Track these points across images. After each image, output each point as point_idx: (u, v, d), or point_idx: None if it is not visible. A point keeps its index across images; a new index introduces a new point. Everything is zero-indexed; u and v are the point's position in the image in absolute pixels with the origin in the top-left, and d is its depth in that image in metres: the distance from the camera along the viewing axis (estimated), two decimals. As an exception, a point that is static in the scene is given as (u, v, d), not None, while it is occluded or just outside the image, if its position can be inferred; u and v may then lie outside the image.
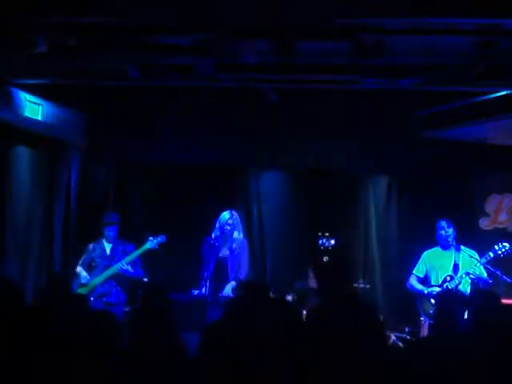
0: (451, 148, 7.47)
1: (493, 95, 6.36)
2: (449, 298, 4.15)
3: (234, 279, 6.68)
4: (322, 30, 5.00)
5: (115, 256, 6.97)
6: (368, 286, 7.42)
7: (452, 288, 6.50)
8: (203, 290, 6.45)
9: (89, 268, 6.96)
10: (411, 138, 7.37)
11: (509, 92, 6.19)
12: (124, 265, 6.84)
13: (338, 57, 5.38)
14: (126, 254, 6.98)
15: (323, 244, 7.08)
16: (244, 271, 6.76)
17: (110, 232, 7.02)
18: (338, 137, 7.62)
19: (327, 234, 7.12)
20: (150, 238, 6.98)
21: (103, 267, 6.91)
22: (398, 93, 6.38)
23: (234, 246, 6.86)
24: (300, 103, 7.21)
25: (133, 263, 6.92)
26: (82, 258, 7.04)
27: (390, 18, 4.77)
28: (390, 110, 7.20)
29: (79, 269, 6.96)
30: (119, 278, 6.91)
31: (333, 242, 7.09)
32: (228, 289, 6.62)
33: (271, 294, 6.75)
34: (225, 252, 6.85)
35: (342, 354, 2.96)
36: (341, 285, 4.50)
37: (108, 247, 7.05)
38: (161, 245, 7.03)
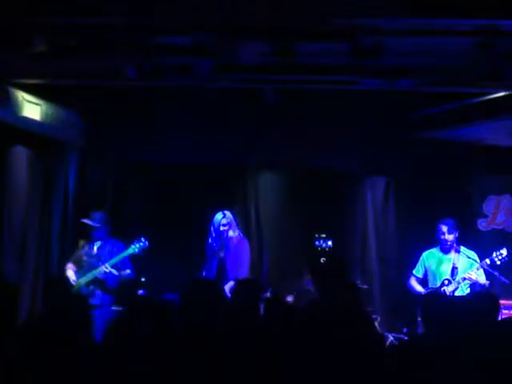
0: (449, 149, 7.48)
1: (491, 96, 6.37)
2: (434, 300, 4.15)
3: (233, 279, 6.69)
4: (320, 31, 5.01)
5: (102, 256, 6.82)
6: (365, 287, 7.43)
7: (439, 290, 6.52)
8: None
9: (77, 265, 6.86)
10: (409, 138, 7.38)
11: (507, 93, 6.20)
12: (108, 268, 6.67)
13: (336, 57, 5.39)
14: (113, 254, 6.83)
15: (320, 245, 7.08)
16: (244, 272, 6.77)
17: (94, 233, 6.92)
18: (336, 137, 7.63)
19: (324, 236, 7.13)
20: (135, 243, 6.83)
21: (89, 267, 6.77)
22: (396, 93, 6.39)
23: (231, 244, 6.88)
24: (298, 104, 7.21)
25: (121, 264, 6.81)
26: (74, 254, 6.98)
27: (389, 18, 4.78)
28: (389, 110, 7.21)
29: (70, 265, 6.88)
30: (103, 280, 6.78)
31: (330, 243, 7.10)
32: (226, 289, 6.62)
33: (268, 294, 6.81)
34: (223, 252, 6.86)
35: (339, 353, 2.97)
36: (338, 286, 4.51)
37: (96, 246, 6.93)
38: (144, 250, 6.89)
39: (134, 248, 6.83)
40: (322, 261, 6.70)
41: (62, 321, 3.32)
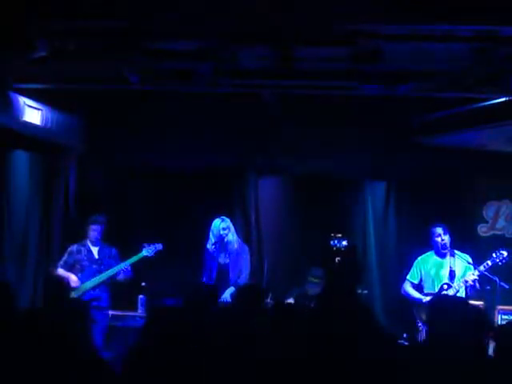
0: (449, 154, 7.48)
1: (491, 102, 6.37)
2: (444, 302, 4.12)
3: (233, 285, 6.69)
4: (321, 36, 5.02)
5: (103, 259, 6.94)
6: (366, 292, 7.42)
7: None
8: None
9: (71, 270, 6.88)
10: (410, 143, 7.38)
11: (507, 99, 6.20)
12: (125, 269, 6.87)
13: (336, 62, 5.40)
14: (112, 258, 6.97)
15: (335, 245, 7.03)
16: (244, 278, 6.79)
17: (93, 231, 6.96)
18: (336, 142, 7.64)
19: (339, 235, 7.07)
20: (145, 245, 6.97)
21: (93, 271, 6.87)
22: (396, 99, 6.40)
23: (232, 248, 6.89)
24: (299, 108, 7.22)
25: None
26: (63, 260, 6.96)
27: (389, 24, 4.79)
28: (389, 116, 7.21)
29: (62, 271, 6.90)
30: (109, 283, 6.91)
31: (344, 242, 7.04)
32: (226, 294, 6.63)
33: (269, 299, 6.81)
34: (225, 257, 6.87)
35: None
36: (353, 285, 4.50)
37: (95, 250, 7.00)
38: (157, 253, 7.02)
39: (148, 250, 6.92)
40: (336, 260, 6.72)
41: (61, 322, 3.33)
